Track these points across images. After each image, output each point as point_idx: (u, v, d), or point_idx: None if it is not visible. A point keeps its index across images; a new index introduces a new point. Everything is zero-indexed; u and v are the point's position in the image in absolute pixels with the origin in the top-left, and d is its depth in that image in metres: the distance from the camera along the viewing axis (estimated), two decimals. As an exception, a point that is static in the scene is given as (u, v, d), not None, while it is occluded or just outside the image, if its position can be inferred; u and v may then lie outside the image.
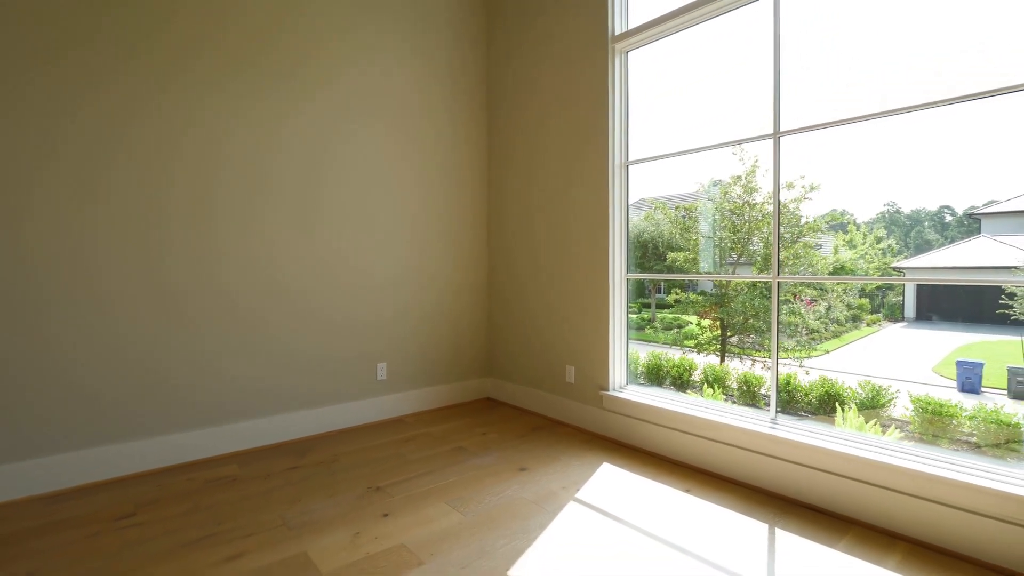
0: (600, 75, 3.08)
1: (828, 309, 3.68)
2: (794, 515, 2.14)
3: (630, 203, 3.92)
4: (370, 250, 3.38)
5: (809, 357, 3.72)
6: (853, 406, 3.38)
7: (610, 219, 3.08)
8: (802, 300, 3.74)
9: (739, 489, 2.40)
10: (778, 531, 2.02)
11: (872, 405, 3.36)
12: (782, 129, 2.43)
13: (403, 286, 3.54)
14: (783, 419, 2.44)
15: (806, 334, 3.68)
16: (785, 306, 3.89)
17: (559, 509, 2.20)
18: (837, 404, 3.44)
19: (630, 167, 3.14)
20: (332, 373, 3.23)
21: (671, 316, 4.55)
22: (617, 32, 3.05)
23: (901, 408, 3.19)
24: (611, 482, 2.47)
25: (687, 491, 2.38)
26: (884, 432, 2.98)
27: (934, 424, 3.00)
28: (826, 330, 3.65)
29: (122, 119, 2.52)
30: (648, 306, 4.76)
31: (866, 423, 3.21)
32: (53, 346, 2.38)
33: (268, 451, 2.89)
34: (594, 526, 2.06)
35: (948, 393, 2.91)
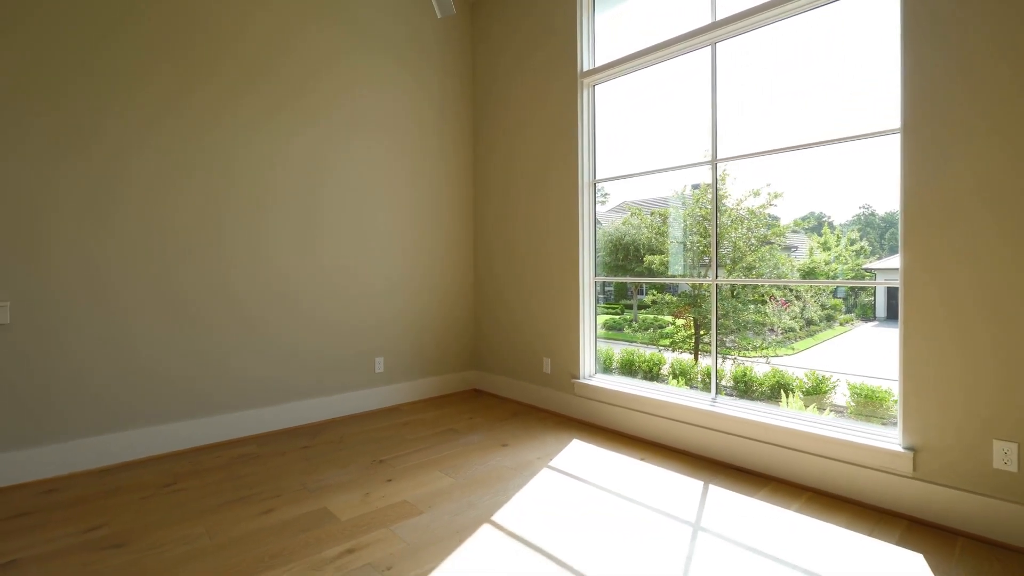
0: (570, 105, 3.55)
1: (803, 309, 4.07)
2: (726, 475, 2.62)
3: (612, 207, 4.35)
4: (367, 259, 3.80)
5: (776, 355, 4.16)
6: (797, 393, 3.86)
7: (579, 230, 3.54)
8: (776, 301, 4.15)
9: (684, 457, 2.87)
10: (711, 487, 2.49)
11: (815, 392, 3.85)
12: (719, 157, 2.91)
13: (398, 290, 3.97)
14: (721, 399, 2.92)
15: (781, 333, 4.08)
16: (752, 306, 4.33)
17: (534, 474, 2.65)
18: (783, 391, 3.92)
19: (597, 185, 3.61)
20: (335, 368, 3.64)
21: (651, 317, 4.96)
22: (585, 69, 3.51)
23: (843, 395, 3.62)
24: (579, 453, 2.93)
25: (642, 459, 2.84)
26: (821, 413, 3.46)
27: (867, 407, 3.50)
28: (801, 330, 4.07)
29: (134, 142, 2.86)
30: (630, 307, 5.15)
31: (806, 407, 3.70)
32: (69, 348, 2.77)
33: (282, 434, 3.30)
34: (563, 485, 2.51)
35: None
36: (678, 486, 2.49)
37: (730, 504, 2.30)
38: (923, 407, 2.13)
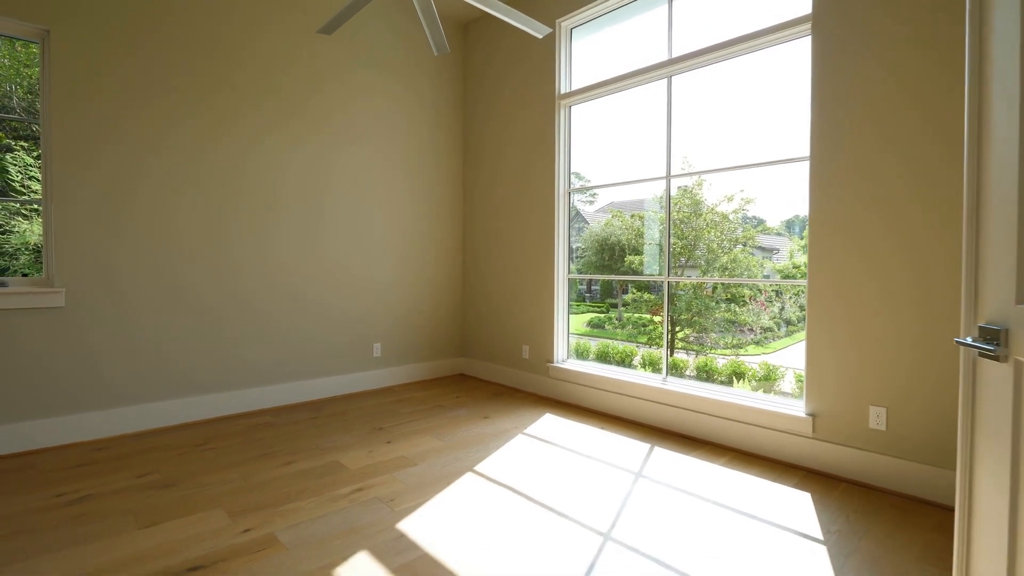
0: (549, 122, 4.05)
1: (782, 310, 4.47)
2: (670, 439, 3.14)
3: (599, 208, 4.80)
4: (366, 256, 4.27)
5: (746, 353, 4.60)
6: (748, 380, 4.37)
7: (555, 233, 4.04)
8: (757, 302, 4.58)
9: (639, 426, 3.39)
10: (656, 448, 3.01)
11: (766, 379, 4.37)
12: (672, 173, 3.43)
13: (394, 284, 4.44)
14: (671, 379, 3.45)
15: (760, 332, 4.48)
16: (724, 305, 4.78)
17: (511, 438, 3.15)
18: (735, 378, 4.42)
19: (572, 194, 4.11)
20: (337, 353, 4.10)
21: (635, 316, 5.38)
22: (563, 91, 4.01)
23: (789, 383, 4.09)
24: (550, 424, 3.44)
25: (603, 428, 3.36)
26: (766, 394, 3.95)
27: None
28: (779, 329, 4.41)
29: (146, 150, 3.22)
30: (615, 306, 5.58)
31: (753, 391, 4.21)
32: (87, 345, 3.22)
33: (292, 408, 3.76)
34: (534, 447, 3.01)
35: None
36: (629, 447, 3.01)
37: (669, 460, 2.82)
38: (821, 381, 2.67)
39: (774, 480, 2.57)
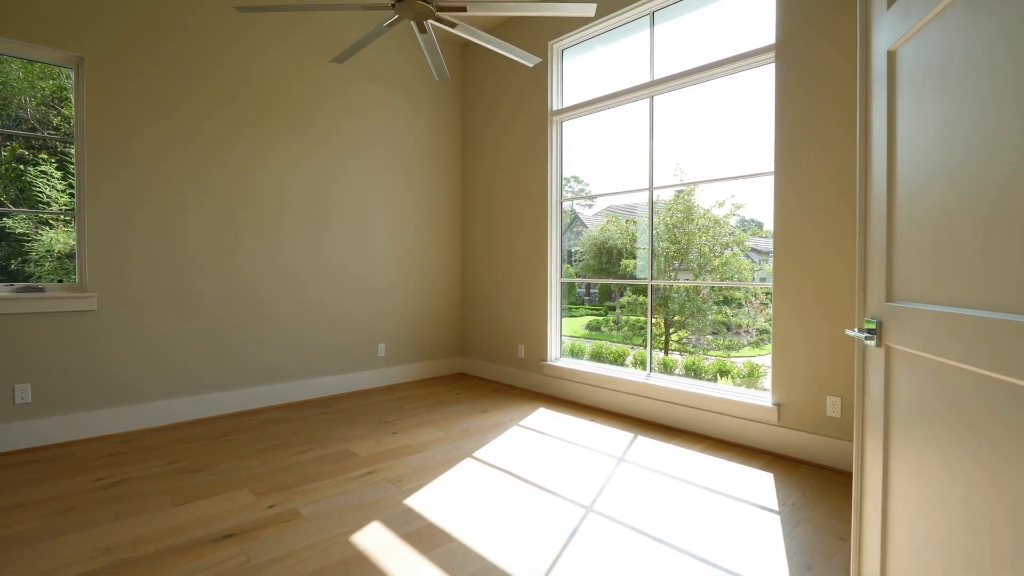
0: (542, 137, 4.34)
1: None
2: (652, 429, 3.43)
3: (598, 212, 5.05)
4: (370, 262, 4.54)
5: (738, 355, 4.83)
6: (733, 377, 4.64)
7: (548, 240, 4.33)
8: (752, 304, 4.81)
9: (625, 418, 3.67)
10: (639, 437, 3.29)
11: (750, 376, 4.64)
12: (656, 184, 3.72)
13: (396, 288, 4.72)
14: (654, 375, 3.73)
15: (756, 334, 4.69)
16: (716, 307, 5.00)
17: (506, 429, 3.43)
18: (720, 376, 4.69)
19: (563, 203, 4.40)
20: (344, 353, 4.37)
21: (633, 319, 5.60)
22: (555, 108, 4.31)
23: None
24: (543, 417, 3.71)
25: (591, 420, 3.64)
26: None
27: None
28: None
29: (156, 162, 3.47)
30: (613, 309, 5.82)
31: (736, 387, 4.47)
32: (113, 345, 3.49)
33: (302, 404, 4.03)
34: (528, 437, 3.29)
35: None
36: (615, 437, 3.29)
37: (650, 447, 3.10)
38: (785, 374, 2.96)
39: (743, 463, 2.85)
